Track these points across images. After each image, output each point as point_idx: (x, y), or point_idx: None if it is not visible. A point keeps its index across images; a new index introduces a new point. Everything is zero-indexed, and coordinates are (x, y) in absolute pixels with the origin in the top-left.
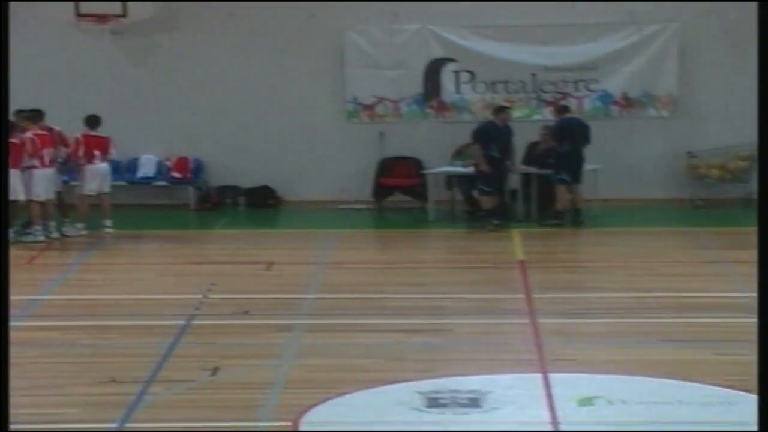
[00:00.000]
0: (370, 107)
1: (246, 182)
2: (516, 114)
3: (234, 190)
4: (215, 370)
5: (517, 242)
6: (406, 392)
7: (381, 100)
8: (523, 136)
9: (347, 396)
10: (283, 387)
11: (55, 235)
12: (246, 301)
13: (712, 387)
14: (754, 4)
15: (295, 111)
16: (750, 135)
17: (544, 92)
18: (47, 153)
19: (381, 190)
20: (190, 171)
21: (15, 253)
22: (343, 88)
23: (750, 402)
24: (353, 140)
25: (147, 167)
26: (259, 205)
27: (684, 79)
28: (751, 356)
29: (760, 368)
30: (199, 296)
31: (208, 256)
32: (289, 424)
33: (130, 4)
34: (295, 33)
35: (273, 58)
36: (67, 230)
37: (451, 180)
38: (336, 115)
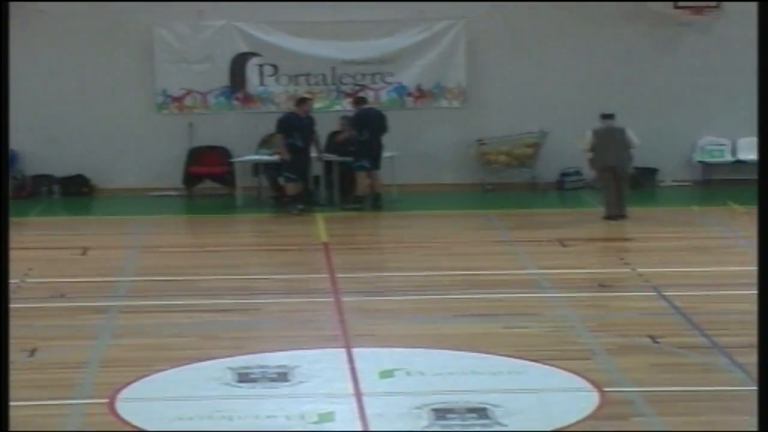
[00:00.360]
0: (179, 99)
1: (60, 171)
2: (317, 105)
3: (49, 179)
4: (33, 351)
5: (320, 225)
6: (218, 368)
7: (189, 92)
8: (324, 126)
9: (162, 373)
10: (99, 366)
11: None
12: (62, 284)
13: (501, 358)
14: (534, 3)
15: (108, 103)
16: (533, 123)
17: (343, 84)
18: None
19: (191, 178)
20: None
21: None
22: (152, 81)
23: (536, 370)
24: (164, 131)
25: None
26: (74, 193)
27: (472, 72)
28: (535, 329)
29: (760, 367)
30: (17, 281)
31: (25, 242)
32: (106, 400)
33: None
34: (105, 28)
35: (85, 53)
36: None
37: (257, 168)
38: (147, 107)
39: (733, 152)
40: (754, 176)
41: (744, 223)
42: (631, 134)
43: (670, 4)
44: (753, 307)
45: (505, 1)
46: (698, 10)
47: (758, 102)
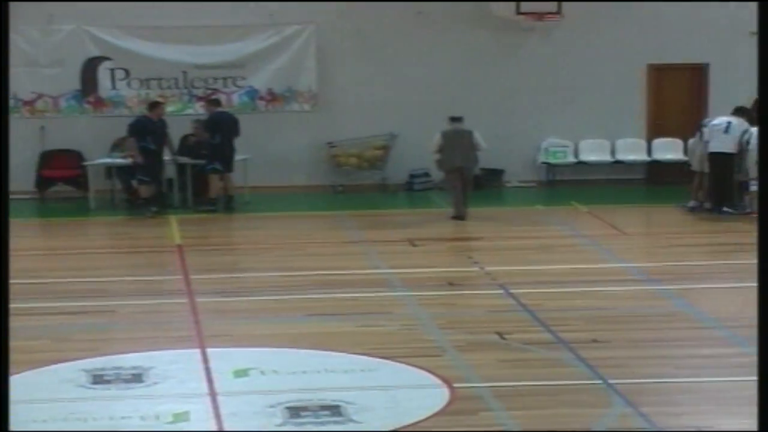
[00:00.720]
0: (30, 103)
1: None
2: (169, 109)
3: None
4: None
5: (174, 228)
6: (72, 371)
7: (40, 96)
8: (177, 129)
9: (16, 376)
10: None
11: None
12: None
13: (353, 356)
14: (385, 7)
15: None
16: (382, 126)
17: (195, 88)
18: None
19: (43, 181)
20: None
21: None
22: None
23: (388, 368)
24: (15, 134)
25: None
26: None
27: (322, 76)
28: (387, 327)
29: (760, 368)
30: None
31: None
32: None
33: None
34: None
35: None
36: None
37: (110, 171)
38: None
39: (576, 153)
40: (596, 176)
41: (586, 222)
42: (479, 137)
43: (513, 9)
44: (595, 303)
45: (350, 1)
46: (540, 16)
47: (759, 101)
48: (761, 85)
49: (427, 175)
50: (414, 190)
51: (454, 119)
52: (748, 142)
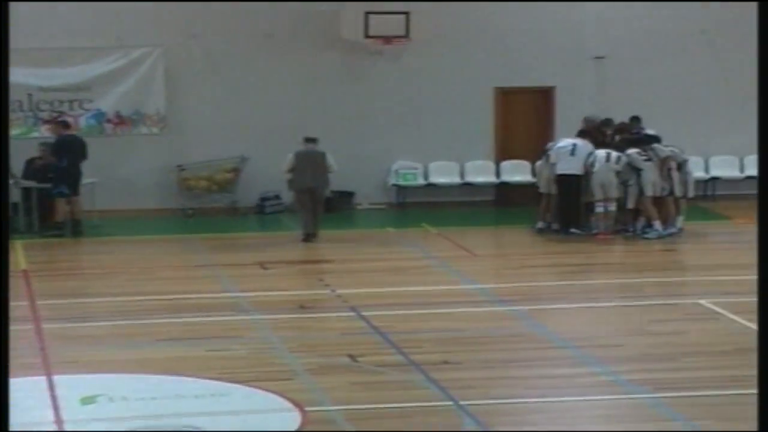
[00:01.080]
0: None
1: None
2: (14, 132)
3: None
4: None
5: (19, 253)
6: None
7: None
8: (22, 153)
9: None
10: None
11: None
12: None
13: (205, 381)
14: (233, 29)
15: None
16: (233, 149)
17: (41, 111)
18: None
19: None
20: None
21: None
22: None
23: (239, 392)
24: None
25: None
26: None
27: (171, 98)
28: (237, 351)
29: (760, 368)
30: None
31: None
32: None
33: None
34: None
35: None
36: None
37: None
38: None
39: (426, 176)
40: (446, 198)
41: (437, 244)
42: (331, 159)
43: (362, 32)
44: (446, 324)
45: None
46: (388, 40)
47: (759, 103)
48: (761, 86)
49: (277, 197)
50: (265, 212)
51: (309, 140)
52: (593, 164)
